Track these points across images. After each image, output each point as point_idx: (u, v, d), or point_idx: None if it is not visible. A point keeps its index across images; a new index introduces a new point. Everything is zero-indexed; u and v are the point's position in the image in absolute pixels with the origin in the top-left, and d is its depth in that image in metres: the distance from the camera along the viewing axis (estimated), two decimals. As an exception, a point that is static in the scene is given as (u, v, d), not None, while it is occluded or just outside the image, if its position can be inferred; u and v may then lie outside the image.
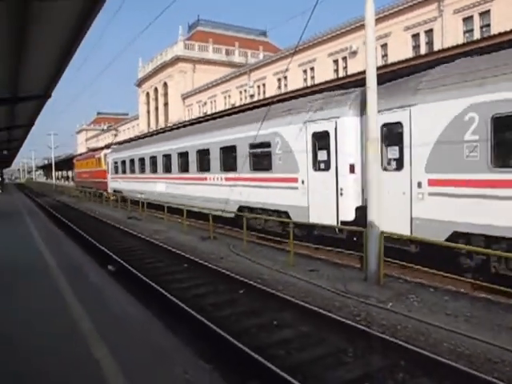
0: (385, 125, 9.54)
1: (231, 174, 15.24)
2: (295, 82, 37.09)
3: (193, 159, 18.16)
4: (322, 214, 11.27)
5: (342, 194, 10.79)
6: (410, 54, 27.81)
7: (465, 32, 26.36)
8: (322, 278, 9.31)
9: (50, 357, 4.52)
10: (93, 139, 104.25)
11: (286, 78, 40.83)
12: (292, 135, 12.29)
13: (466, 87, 7.97)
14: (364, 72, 10.94)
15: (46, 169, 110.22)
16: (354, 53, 33.94)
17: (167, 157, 21.02)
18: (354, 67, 31.60)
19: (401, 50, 28.60)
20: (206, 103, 53.50)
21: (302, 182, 12.00)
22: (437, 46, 25.85)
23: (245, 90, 47.08)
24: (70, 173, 76.89)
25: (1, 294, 7.04)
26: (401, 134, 9.24)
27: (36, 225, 16.08)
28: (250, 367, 5.32)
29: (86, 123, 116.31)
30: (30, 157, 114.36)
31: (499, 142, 7.59)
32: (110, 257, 11.96)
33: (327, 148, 11.18)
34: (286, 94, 15.11)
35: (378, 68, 9.57)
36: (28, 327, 5.45)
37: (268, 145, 13.26)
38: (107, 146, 39.63)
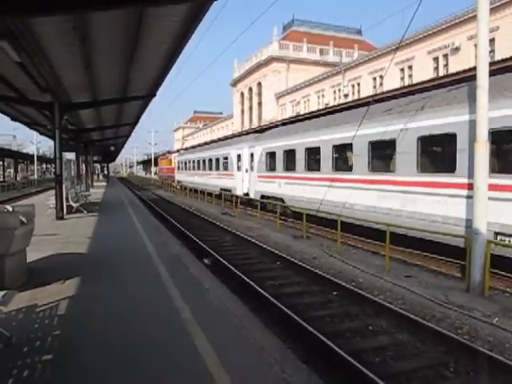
0: (250, 154, 22.55)
1: (218, 172, 29.72)
2: (391, 81, 35.80)
3: (206, 162, 33.14)
4: (239, 190, 24.64)
5: (243, 181, 24.01)
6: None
7: None
8: (419, 286, 8.91)
9: (158, 341, 4.81)
10: (189, 137, 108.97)
11: (381, 77, 39.61)
12: (233, 154, 26.11)
13: (262, 141, 21.02)
14: (471, 69, 10.56)
15: (145, 164, 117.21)
16: (457, 49, 31.97)
17: (198, 161, 36.21)
18: (455, 65, 29.80)
19: (511, 46, 26.46)
20: (299, 103, 53.54)
21: (234, 176, 25.66)
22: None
23: (339, 90, 46.44)
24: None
25: (117, 279, 7.63)
26: (253, 157, 22.09)
27: (138, 216, 17.11)
28: (347, 372, 5.26)
29: (183, 121, 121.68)
30: (131, 152, 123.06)
31: (269, 161, 19.83)
32: (205, 250, 12.46)
33: (240, 161, 24.60)
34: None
35: (490, 64, 8.91)
36: (136, 312, 5.84)
37: (227, 158, 27.38)
38: (177, 151, 57.86)
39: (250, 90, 65.58)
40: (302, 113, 37.64)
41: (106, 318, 5.60)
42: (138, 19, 8.56)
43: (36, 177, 76.38)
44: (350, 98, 40.53)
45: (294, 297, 8.41)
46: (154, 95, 17.23)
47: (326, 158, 14.80)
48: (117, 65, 12.25)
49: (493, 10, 26.76)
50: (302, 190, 16.35)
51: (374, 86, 40.94)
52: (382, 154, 12.39)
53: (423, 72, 33.62)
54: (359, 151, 12.91)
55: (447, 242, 9.66)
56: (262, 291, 8.25)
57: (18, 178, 65.82)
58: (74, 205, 17.62)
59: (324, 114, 17.69)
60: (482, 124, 8.18)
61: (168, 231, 14.50)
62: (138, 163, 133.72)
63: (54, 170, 19.80)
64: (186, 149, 52.12)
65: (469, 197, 9.04)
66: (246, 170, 23.41)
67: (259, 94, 62.10)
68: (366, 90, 40.38)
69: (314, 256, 11.81)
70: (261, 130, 25.24)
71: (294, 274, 10.11)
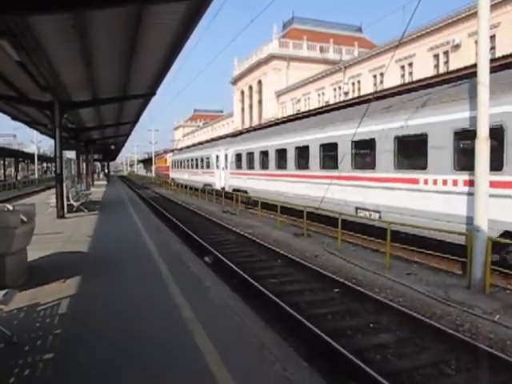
0: (225, 155, 27.33)
1: (202, 170, 34.39)
2: (392, 78, 35.73)
3: (193, 162, 37.94)
4: (217, 185, 29.28)
5: (220, 177, 28.58)
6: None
7: None
8: (420, 283, 8.91)
9: (160, 339, 4.81)
10: (189, 135, 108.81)
11: (382, 74, 39.54)
12: (213, 155, 30.71)
13: (233, 144, 26.28)
14: (471, 66, 10.58)
15: (146, 162, 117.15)
16: (457, 46, 31.85)
17: (187, 160, 41.28)
18: (456, 62, 29.72)
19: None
20: (299, 100, 53.45)
21: (214, 173, 30.31)
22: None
23: (339, 87, 46.36)
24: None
25: (118, 278, 7.64)
26: (227, 157, 26.99)
27: (138, 214, 17.10)
28: (349, 370, 5.26)
29: (183, 120, 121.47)
30: (132, 151, 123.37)
31: (237, 161, 24.84)
32: (206, 248, 12.46)
33: (218, 161, 29.30)
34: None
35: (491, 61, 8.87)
36: (137, 310, 5.84)
37: (209, 158, 32.05)
38: (171, 151, 64.89)
39: (250, 88, 65.46)
40: (302, 110, 38.03)
41: (107, 316, 5.60)
42: (137, 17, 8.54)
43: (36, 176, 76.41)
44: (350, 96, 40.45)
45: (295, 295, 8.42)
46: (154, 94, 17.21)
47: (272, 159, 19.76)
48: (116, 63, 12.22)
49: (493, 7, 26.53)
50: (258, 183, 21.66)
51: (375, 84, 40.87)
52: (303, 155, 16.88)
53: (424, 69, 33.55)
54: (290, 154, 17.84)
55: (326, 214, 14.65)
56: (262, 289, 8.26)
57: (18, 177, 65.81)
58: (75, 204, 17.62)
59: (277, 124, 23.56)
60: (483, 121, 8.16)
61: (169, 229, 14.48)
62: (139, 162, 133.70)
63: (54, 169, 19.78)
64: (181, 149, 58.92)
65: (331, 184, 14.46)
66: (223, 168, 28.40)
67: (259, 92, 61.98)
68: (367, 88, 40.30)
69: (315, 254, 11.81)
70: (235, 135, 31.47)
71: (295, 271, 10.12)
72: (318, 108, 20.73)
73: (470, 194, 8.97)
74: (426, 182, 10.43)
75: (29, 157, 72.60)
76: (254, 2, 53.98)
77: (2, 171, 63.84)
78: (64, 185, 16.09)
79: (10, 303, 4.87)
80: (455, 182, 9.66)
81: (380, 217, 11.98)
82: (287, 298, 7.96)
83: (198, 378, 4.00)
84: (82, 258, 9.19)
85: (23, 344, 4.69)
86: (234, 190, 25.59)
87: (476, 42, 8.52)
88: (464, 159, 9.48)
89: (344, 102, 18.14)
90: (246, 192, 23.53)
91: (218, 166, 29.56)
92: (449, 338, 6.09)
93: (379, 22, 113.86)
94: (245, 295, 7.83)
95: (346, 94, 43.58)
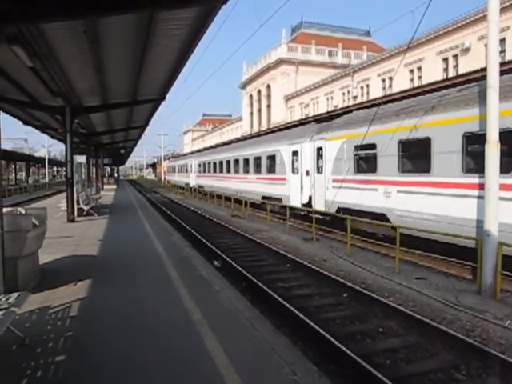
0: (195, 164, 43.91)
1: (184, 173, 49.72)
2: (401, 82, 35.64)
3: (179, 167, 54.61)
4: (191, 184, 43.86)
5: (192, 179, 44.00)
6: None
7: None
8: (430, 288, 8.86)
9: (169, 342, 4.84)
10: (198, 139, 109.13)
11: (390, 78, 39.44)
12: (188, 163, 47.29)
13: (198, 157, 43.39)
14: (480, 70, 10.55)
15: (154, 167, 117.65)
16: (467, 50, 31.70)
17: (176, 166, 56.39)
18: (465, 65, 29.58)
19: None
20: (308, 105, 53.48)
21: (189, 176, 45.67)
22: None
23: (348, 92, 46.32)
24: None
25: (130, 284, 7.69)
26: (191, 166, 45.22)
27: (147, 218, 17.20)
28: (358, 375, 5.24)
29: (192, 124, 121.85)
30: (141, 155, 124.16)
31: (199, 168, 41.58)
32: (215, 252, 12.48)
33: (191, 168, 45.20)
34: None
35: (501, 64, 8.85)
36: (146, 313, 5.89)
37: (186, 165, 48.50)
38: (168, 158, 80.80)
39: (259, 92, 65.58)
40: (311, 114, 38.33)
41: (117, 319, 5.65)
42: (148, 24, 8.63)
43: (47, 180, 77.11)
44: (359, 100, 40.41)
45: (304, 299, 8.41)
46: (164, 98, 17.31)
47: (211, 167, 34.31)
48: (127, 69, 12.34)
49: (503, 10, 26.42)
50: (209, 181, 35.47)
51: (383, 88, 40.77)
52: (221, 166, 30.83)
53: (433, 73, 33.43)
54: (218, 165, 31.87)
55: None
56: (272, 293, 8.25)
57: (29, 181, 66.47)
58: (85, 207, 17.76)
59: (218, 146, 40.95)
60: (493, 125, 8.12)
61: (178, 233, 14.52)
62: (148, 166, 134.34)
63: (64, 173, 19.96)
64: (173, 157, 77.81)
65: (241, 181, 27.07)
66: (194, 172, 42.95)
67: (268, 97, 62.09)
68: (375, 92, 40.23)
69: (324, 258, 11.79)
70: (200, 151, 49.07)
71: (304, 276, 10.10)
72: (231, 140, 38.84)
73: (259, 182, 22.73)
74: (248, 178, 24.45)
75: (39, 161, 73.29)
76: (263, 7, 54.15)
77: (14, 175, 64.51)
78: (74, 189, 16.24)
79: (23, 306, 4.93)
80: (254, 178, 23.29)
81: (241, 194, 24.81)
82: (296, 302, 7.95)
83: (208, 381, 4.03)
84: (92, 261, 9.27)
85: (35, 346, 4.75)
86: (198, 186, 39.87)
87: (486, 45, 8.49)
88: (257, 169, 22.99)
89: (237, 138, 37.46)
90: (203, 187, 37.35)
91: (191, 171, 44.47)
92: (459, 343, 6.04)
93: (388, 26, 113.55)
94: (254, 299, 7.86)
95: (355, 98, 43.53)
